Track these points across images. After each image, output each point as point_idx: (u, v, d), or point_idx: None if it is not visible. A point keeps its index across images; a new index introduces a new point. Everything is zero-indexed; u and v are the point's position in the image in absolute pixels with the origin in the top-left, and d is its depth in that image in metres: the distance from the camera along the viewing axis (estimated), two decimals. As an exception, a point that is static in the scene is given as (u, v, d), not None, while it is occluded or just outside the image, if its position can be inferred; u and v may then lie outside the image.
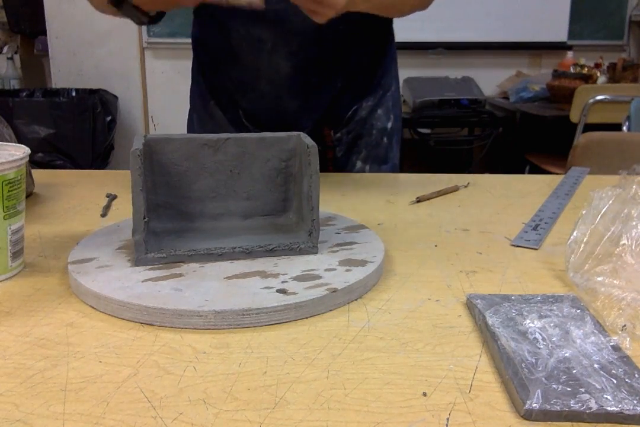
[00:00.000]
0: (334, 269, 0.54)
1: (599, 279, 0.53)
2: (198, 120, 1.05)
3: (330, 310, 0.50)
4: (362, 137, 1.02)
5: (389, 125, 1.03)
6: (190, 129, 1.08)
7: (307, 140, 0.60)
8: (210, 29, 0.96)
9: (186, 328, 0.47)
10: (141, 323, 0.48)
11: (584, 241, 0.56)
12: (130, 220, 0.56)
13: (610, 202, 0.57)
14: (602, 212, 0.57)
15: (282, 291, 0.50)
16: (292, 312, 0.48)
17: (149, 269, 0.54)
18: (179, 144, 0.61)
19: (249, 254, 0.57)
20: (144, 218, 0.55)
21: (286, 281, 0.52)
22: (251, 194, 0.64)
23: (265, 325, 0.48)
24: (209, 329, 0.47)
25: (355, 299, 0.52)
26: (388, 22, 1.01)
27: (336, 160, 1.02)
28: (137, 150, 0.54)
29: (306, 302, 0.49)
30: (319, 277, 0.53)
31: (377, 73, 1.01)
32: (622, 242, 0.54)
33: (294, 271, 0.54)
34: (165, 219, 0.62)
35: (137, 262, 0.55)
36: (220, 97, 1.00)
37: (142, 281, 0.52)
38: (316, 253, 0.58)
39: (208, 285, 0.51)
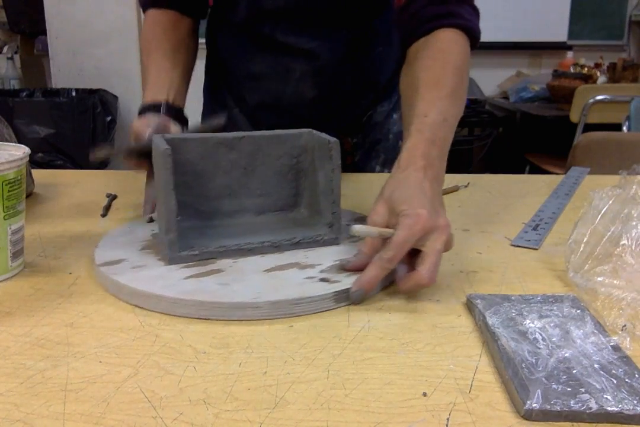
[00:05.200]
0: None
1: (599, 279, 0.53)
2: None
3: (374, 294, 0.53)
4: (380, 142, 1.02)
5: None
6: None
7: (325, 135, 0.61)
8: (232, 49, 0.96)
9: (240, 320, 0.48)
10: (192, 318, 0.48)
11: (584, 241, 0.56)
12: (139, 221, 0.56)
13: (610, 202, 0.57)
14: (602, 212, 0.57)
15: (325, 280, 0.52)
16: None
17: (183, 267, 0.55)
18: (196, 143, 0.61)
19: (276, 247, 0.59)
20: (177, 217, 0.55)
21: (324, 271, 0.54)
22: (264, 190, 0.65)
23: (314, 313, 0.50)
24: (262, 320, 0.48)
25: (391, 284, 0.54)
26: None
27: (355, 166, 1.03)
28: (167, 149, 0.54)
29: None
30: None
31: (394, 81, 1.01)
32: (622, 242, 0.54)
33: (327, 261, 0.56)
34: (184, 218, 0.63)
35: (171, 260, 0.55)
36: (244, 109, 1.00)
37: (185, 278, 0.52)
38: (338, 244, 0.60)
39: (252, 278, 0.53)
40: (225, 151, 0.62)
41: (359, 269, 0.53)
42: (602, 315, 0.48)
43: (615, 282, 0.52)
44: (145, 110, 0.76)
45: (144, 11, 0.92)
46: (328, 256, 0.58)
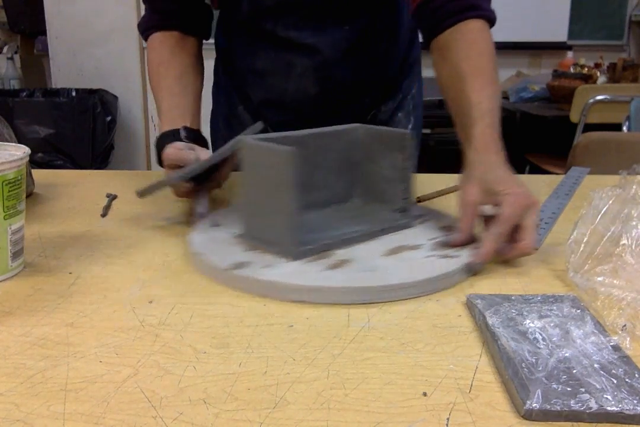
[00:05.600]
0: (449, 235, 0.63)
1: (599, 279, 0.53)
2: (225, 124, 1.05)
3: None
4: None
5: (410, 127, 1.04)
6: (217, 131, 1.08)
7: (389, 129, 0.68)
8: (237, 47, 0.97)
9: (399, 300, 0.52)
10: (357, 304, 0.51)
11: (584, 241, 0.56)
12: (198, 227, 0.63)
13: (610, 202, 0.57)
14: (602, 212, 0.57)
15: (445, 257, 0.58)
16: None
17: (308, 261, 0.57)
18: (280, 143, 0.62)
19: (368, 235, 0.63)
20: (299, 216, 0.57)
21: (435, 249, 0.60)
22: (325, 184, 0.69)
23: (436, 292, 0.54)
24: (417, 297, 0.53)
25: None
26: (415, 32, 1.01)
27: None
28: (293, 148, 0.55)
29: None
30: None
31: (399, 79, 1.01)
32: (622, 242, 0.55)
33: (424, 242, 0.62)
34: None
35: (296, 256, 0.57)
36: (248, 105, 1.01)
37: (325, 270, 0.55)
38: (412, 227, 0.67)
39: (383, 263, 0.57)
40: (298, 149, 0.63)
41: (462, 244, 0.60)
42: (602, 315, 0.48)
43: (615, 282, 0.52)
44: (165, 137, 0.75)
45: (146, 37, 0.91)
46: (418, 237, 0.63)
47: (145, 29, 0.91)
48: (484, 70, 0.73)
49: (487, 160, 0.64)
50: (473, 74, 0.72)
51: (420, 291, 0.53)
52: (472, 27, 0.77)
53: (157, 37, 0.90)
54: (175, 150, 0.72)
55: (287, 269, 0.55)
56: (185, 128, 0.76)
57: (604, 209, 0.57)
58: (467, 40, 0.76)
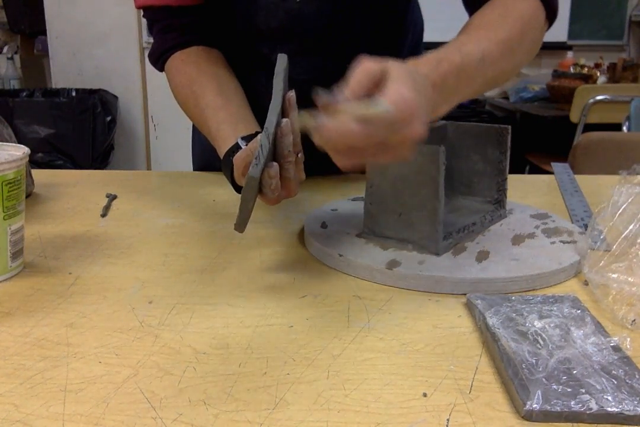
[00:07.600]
0: (546, 223, 0.67)
1: (614, 275, 0.53)
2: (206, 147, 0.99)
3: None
4: None
5: None
6: (195, 150, 1.04)
7: (479, 124, 0.70)
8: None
9: (549, 286, 0.54)
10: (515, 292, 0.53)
11: (601, 238, 0.58)
12: (314, 224, 0.65)
13: (630, 200, 0.58)
14: (620, 210, 0.57)
15: (567, 242, 0.61)
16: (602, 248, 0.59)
17: (452, 254, 0.58)
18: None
19: (482, 226, 0.65)
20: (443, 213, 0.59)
21: (549, 236, 0.63)
22: None
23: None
24: (563, 282, 0.56)
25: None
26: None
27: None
28: (441, 145, 0.56)
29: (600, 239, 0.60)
30: (557, 227, 0.65)
31: None
32: (639, 241, 0.55)
33: (532, 229, 0.65)
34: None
35: (439, 251, 0.58)
36: None
37: (477, 262, 0.56)
38: (507, 217, 0.70)
39: (519, 251, 0.59)
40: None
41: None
42: (613, 310, 0.48)
43: (629, 279, 0.52)
44: (228, 159, 0.67)
45: (165, 61, 0.83)
46: (522, 226, 0.66)
47: (163, 51, 0.83)
48: (496, 27, 0.61)
49: (414, 67, 0.50)
50: (479, 26, 0.61)
51: (567, 275, 0.56)
52: (518, 3, 0.67)
53: (176, 57, 0.82)
54: (241, 152, 0.61)
55: (444, 264, 0.56)
56: (243, 138, 0.68)
57: (623, 206, 0.58)
58: (497, 4, 0.65)
